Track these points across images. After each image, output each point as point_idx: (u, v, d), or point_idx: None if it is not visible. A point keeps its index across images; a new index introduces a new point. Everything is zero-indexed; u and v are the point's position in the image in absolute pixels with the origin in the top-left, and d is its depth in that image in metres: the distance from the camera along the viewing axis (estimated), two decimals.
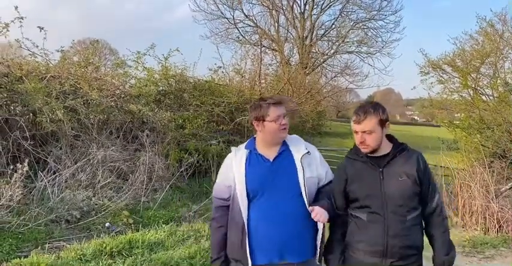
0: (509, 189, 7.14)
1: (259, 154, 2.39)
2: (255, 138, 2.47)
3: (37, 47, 7.57)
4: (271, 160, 2.37)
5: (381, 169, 2.28)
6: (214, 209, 2.47)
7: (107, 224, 5.73)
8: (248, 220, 2.29)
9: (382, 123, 2.27)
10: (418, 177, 2.27)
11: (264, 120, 2.35)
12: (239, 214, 2.30)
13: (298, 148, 2.41)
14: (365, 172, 2.32)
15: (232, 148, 2.48)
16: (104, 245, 4.65)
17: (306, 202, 2.30)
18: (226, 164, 2.46)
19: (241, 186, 2.30)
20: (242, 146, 2.48)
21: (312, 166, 2.38)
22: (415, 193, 2.27)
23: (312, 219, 2.24)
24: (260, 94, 12.14)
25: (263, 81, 14.07)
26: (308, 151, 2.40)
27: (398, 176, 2.26)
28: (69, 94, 7.37)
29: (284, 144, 2.42)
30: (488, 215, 6.54)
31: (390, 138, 2.39)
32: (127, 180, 7.16)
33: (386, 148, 2.33)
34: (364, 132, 2.25)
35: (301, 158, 2.36)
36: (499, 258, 5.52)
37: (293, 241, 2.29)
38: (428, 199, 2.33)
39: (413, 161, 2.30)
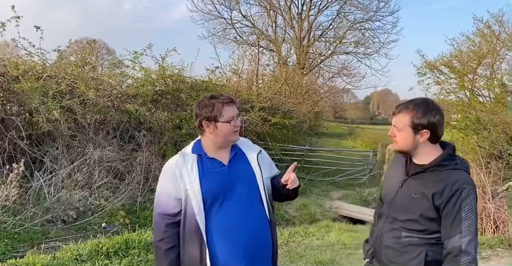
0: (506, 189, 7.15)
1: (211, 158, 2.13)
2: (199, 140, 2.20)
3: (33, 46, 7.55)
4: (226, 164, 2.13)
5: (406, 177, 2.04)
6: (163, 228, 2.09)
7: (103, 224, 5.72)
8: (207, 233, 2.03)
9: (416, 127, 1.95)
10: (434, 202, 1.89)
11: (216, 121, 2.09)
12: (195, 228, 2.03)
13: (251, 148, 2.24)
14: (395, 174, 2.11)
15: (179, 153, 2.15)
16: (100, 245, 4.63)
17: (265, 207, 2.15)
18: (171, 173, 2.10)
19: (197, 196, 2.03)
20: (187, 150, 2.16)
21: (265, 167, 2.21)
22: (425, 218, 1.93)
23: (271, 226, 2.16)
24: (257, 94, 12.14)
25: (260, 81, 14.07)
26: (260, 151, 2.24)
27: (413, 192, 1.97)
28: (65, 94, 7.35)
29: (234, 145, 2.21)
30: (485, 216, 6.56)
31: (444, 148, 2.04)
32: (123, 180, 7.15)
33: (429, 157, 1.99)
34: (395, 126, 2.03)
35: (256, 159, 2.18)
36: (495, 259, 5.53)
37: (258, 249, 2.11)
38: (445, 236, 1.89)
39: (441, 183, 1.89)
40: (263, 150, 2.29)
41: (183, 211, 2.08)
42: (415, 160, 2.04)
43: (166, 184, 2.12)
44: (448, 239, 1.87)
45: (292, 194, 2.24)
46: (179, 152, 2.17)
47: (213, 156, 2.14)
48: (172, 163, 2.13)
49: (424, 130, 1.95)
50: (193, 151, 2.14)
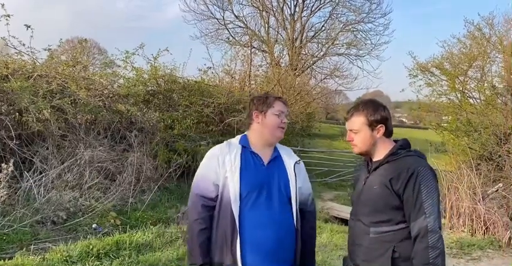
0: (496, 191, 7.21)
1: (254, 153, 2.24)
2: (245, 135, 2.32)
3: (23, 45, 7.47)
4: (265, 163, 2.24)
5: (368, 176, 2.14)
6: (199, 209, 2.18)
7: (94, 225, 5.66)
8: (240, 223, 2.12)
9: (372, 124, 2.08)
10: (393, 188, 1.96)
11: (266, 111, 2.25)
12: (229, 216, 2.12)
13: (290, 156, 2.34)
14: (360, 177, 2.22)
15: (225, 142, 2.28)
16: (91, 246, 4.59)
17: (294, 210, 2.22)
18: (214, 159, 2.21)
19: (235, 186, 2.12)
20: (234, 141, 2.29)
21: (300, 176, 2.31)
22: (388, 206, 1.98)
23: (296, 233, 2.21)
24: (250, 95, 12.12)
25: (253, 82, 14.06)
26: (299, 160, 2.34)
27: (374, 184, 2.06)
28: (56, 94, 7.27)
29: (276, 149, 2.32)
30: (475, 217, 6.62)
31: (396, 143, 2.15)
32: (114, 180, 7.09)
33: (382, 153, 2.10)
34: (351, 130, 2.14)
35: (293, 166, 2.28)
36: (485, 260, 5.58)
37: (282, 249, 2.18)
38: (410, 219, 1.93)
39: (396, 168, 1.99)
40: (302, 162, 2.38)
41: (219, 196, 2.18)
42: (374, 158, 2.14)
43: (208, 169, 2.22)
44: (414, 222, 1.91)
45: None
46: (225, 141, 2.30)
47: (257, 151, 2.25)
48: (217, 149, 2.26)
49: (380, 125, 2.08)
50: (239, 143, 2.27)
